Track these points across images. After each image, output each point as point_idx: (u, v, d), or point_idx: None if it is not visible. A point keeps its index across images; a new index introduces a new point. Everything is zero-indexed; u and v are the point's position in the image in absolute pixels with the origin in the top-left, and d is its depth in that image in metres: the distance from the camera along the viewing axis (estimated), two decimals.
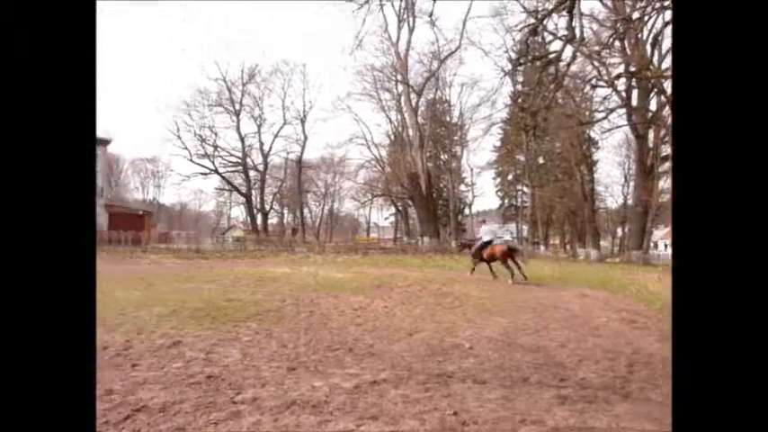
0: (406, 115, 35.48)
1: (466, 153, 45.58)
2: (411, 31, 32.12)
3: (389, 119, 42.42)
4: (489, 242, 12.50)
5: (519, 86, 31.03)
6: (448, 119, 44.53)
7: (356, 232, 62.24)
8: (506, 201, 47.08)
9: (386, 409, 3.19)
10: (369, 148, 43.12)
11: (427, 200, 32.92)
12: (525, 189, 42.13)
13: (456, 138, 44.07)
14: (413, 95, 33.55)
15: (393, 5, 32.10)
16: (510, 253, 11.89)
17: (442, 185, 45.80)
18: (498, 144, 45.47)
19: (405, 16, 30.77)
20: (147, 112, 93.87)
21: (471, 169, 46.47)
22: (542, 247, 36.41)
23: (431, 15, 19.30)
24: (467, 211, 49.25)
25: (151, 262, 15.66)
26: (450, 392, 3.54)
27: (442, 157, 46.57)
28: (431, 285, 10.42)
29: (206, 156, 42.18)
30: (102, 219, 26.19)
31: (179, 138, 40.75)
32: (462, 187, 47.72)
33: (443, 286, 10.30)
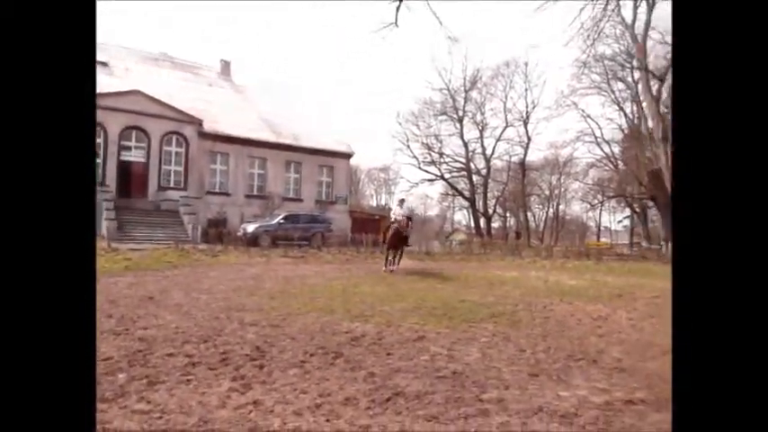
0: (644, 105, 31.60)
1: None
2: (651, 7, 28.36)
3: (623, 111, 38.50)
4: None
5: None
6: None
7: (584, 237, 58.06)
8: None
9: None
10: (599, 145, 39.94)
11: None
12: None
13: None
14: (653, 82, 29.62)
15: None
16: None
17: None
18: None
19: None
20: (384, 124, 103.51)
21: None
22: None
23: None
24: None
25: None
26: None
27: None
28: None
29: (432, 163, 44.72)
30: (346, 223, 29.95)
31: (408, 147, 44.14)
32: None
33: None
